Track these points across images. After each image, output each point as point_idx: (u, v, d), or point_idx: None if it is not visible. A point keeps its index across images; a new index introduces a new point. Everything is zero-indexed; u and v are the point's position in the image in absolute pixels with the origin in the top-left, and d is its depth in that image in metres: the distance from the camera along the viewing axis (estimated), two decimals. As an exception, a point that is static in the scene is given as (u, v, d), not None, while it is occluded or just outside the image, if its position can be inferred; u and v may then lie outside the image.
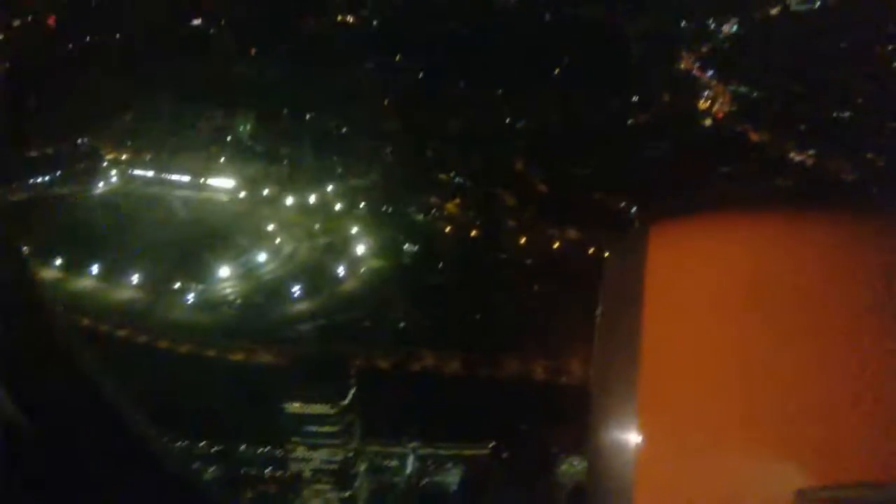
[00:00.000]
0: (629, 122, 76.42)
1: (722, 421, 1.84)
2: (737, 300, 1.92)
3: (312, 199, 67.92)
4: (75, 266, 60.21)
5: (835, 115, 73.21)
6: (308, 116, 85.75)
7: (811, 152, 67.29)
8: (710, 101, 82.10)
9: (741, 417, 1.83)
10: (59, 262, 61.19)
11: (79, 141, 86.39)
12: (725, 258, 2.03)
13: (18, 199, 73.06)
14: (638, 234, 2.11)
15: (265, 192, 70.63)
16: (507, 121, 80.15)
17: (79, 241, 62.47)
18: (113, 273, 58.28)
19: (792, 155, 67.54)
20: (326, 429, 38.66)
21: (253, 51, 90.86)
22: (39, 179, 77.93)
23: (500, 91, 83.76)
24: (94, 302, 55.39)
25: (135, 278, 56.81)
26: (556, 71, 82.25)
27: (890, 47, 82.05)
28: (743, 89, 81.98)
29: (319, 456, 39.39)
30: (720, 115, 78.67)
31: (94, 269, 59.17)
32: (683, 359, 1.90)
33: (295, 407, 40.69)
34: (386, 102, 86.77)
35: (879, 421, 1.76)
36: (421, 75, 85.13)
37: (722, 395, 1.86)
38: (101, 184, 77.33)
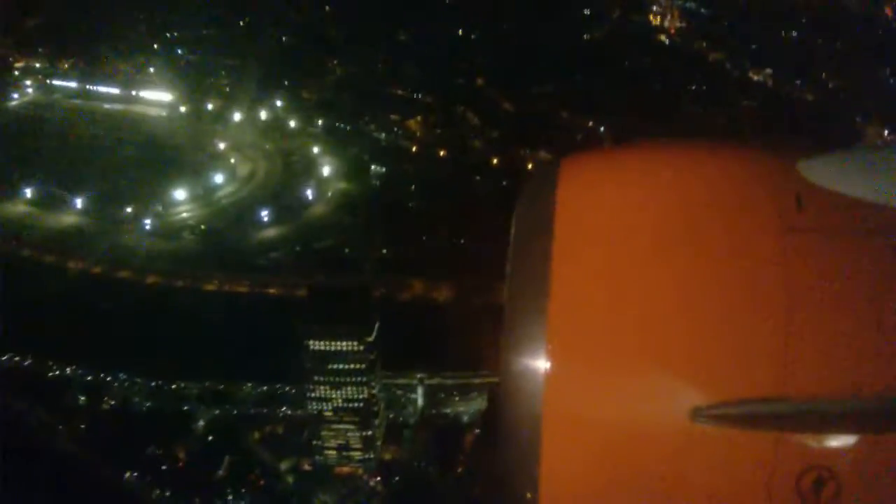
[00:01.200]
0: (585, 37, 74.73)
1: (625, 344, 1.92)
2: (642, 231, 2.02)
3: (263, 115, 63.35)
4: (1, 189, 54.48)
5: (783, 34, 73.86)
6: (243, 23, 79.89)
7: (768, 72, 67.95)
8: (659, 17, 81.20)
9: (642, 340, 1.92)
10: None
11: None
12: (633, 189, 2.10)
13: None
14: (551, 164, 2.15)
15: (209, 106, 65.40)
16: (460, 33, 77.09)
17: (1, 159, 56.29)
18: (49, 197, 53.02)
19: (751, 75, 68.01)
20: (351, 366, 36.50)
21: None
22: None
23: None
24: (34, 230, 50.46)
25: (77, 202, 51.86)
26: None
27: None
28: (690, 5, 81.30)
29: (340, 394, 37.35)
30: (672, 30, 78.08)
31: (27, 192, 53.53)
32: (590, 285, 1.97)
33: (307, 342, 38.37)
34: (327, 9, 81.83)
35: (772, 338, 1.85)
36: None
37: (625, 320, 1.93)
38: (15, 95, 69.68)
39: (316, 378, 36.92)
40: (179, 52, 76.27)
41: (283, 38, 78.12)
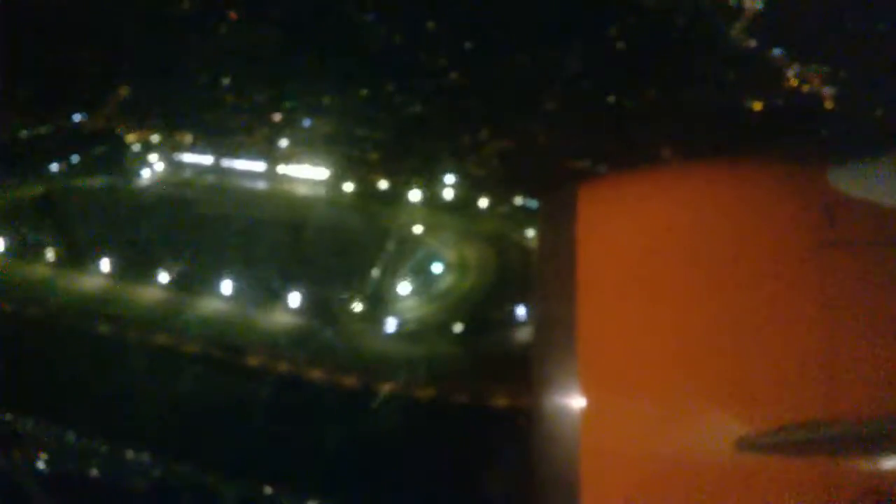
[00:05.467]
0: (747, 105, 71.28)
1: (661, 376, 1.84)
2: (669, 254, 1.93)
3: (448, 194, 57.08)
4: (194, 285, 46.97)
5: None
6: (365, 90, 74.62)
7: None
8: (803, 83, 78.32)
9: (680, 371, 1.82)
10: (164, 278, 47.74)
11: (77, 118, 70.72)
12: (655, 213, 2.03)
13: (35, 193, 57.90)
14: (569, 189, 2.07)
15: (381, 185, 58.96)
16: (610, 99, 72.83)
17: (181, 249, 48.96)
18: (254, 294, 45.57)
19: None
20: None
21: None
22: (54, 168, 62.13)
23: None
24: (252, 333, 42.92)
25: (289, 300, 44.55)
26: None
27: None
28: (826, 69, 78.66)
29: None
30: (825, 97, 74.91)
31: (221, 288, 46.05)
32: (620, 317, 1.89)
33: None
34: (453, 75, 77.31)
35: (814, 364, 1.75)
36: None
37: (659, 351, 1.85)
38: (143, 173, 62.47)
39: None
40: (306, 123, 70.27)
41: (416, 108, 72.81)
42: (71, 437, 38.40)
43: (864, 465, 1.72)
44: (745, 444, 1.73)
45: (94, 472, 37.09)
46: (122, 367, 41.64)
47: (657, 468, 1.80)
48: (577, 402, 1.83)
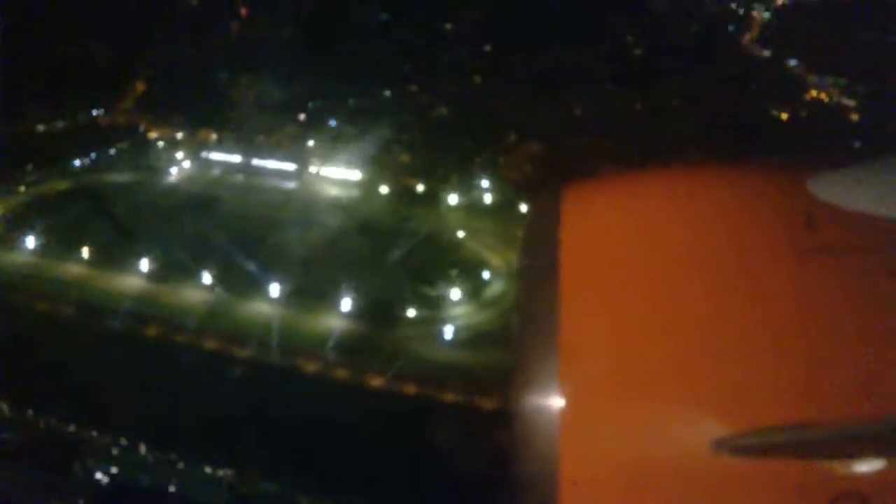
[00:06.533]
0: (773, 113, 71.47)
1: (641, 377, 1.84)
2: (652, 256, 1.94)
3: (486, 198, 56.42)
4: (237, 285, 45.79)
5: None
6: (389, 92, 73.75)
7: None
8: (823, 94, 78.75)
9: (659, 372, 1.83)
10: (206, 278, 46.52)
11: (94, 112, 69.11)
12: (639, 215, 2.03)
13: (62, 188, 56.51)
14: (553, 192, 2.07)
15: (417, 187, 58.14)
16: (636, 105, 72.65)
17: (222, 249, 47.71)
18: (300, 297, 44.55)
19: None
20: None
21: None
22: (77, 163, 60.70)
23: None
24: (297, 337, 41.89)
25: (341, 305, 43.60)
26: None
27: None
28: (842, 81, 79.16)
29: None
30: (849, 111, 75.29)
31: (271, 291, 44.93)
32: (602, 318, 1.90)
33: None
34: (479, 79, 76.77)
35: (793, 366, 1.76)
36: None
37: (640, 352, 1.85)
38: (171, 170, 61.13)
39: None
40: (332, 123, 69.27)
41: (444, 109, 72.21)
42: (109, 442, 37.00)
43: (841, 468, 1.71)
44: (721, 447, 1.72)
45: (143, 479, 35.89)
46: (157, 369, 40.18)
47: (635, 470, 1.80)
48: (556, 402, 1.82)
